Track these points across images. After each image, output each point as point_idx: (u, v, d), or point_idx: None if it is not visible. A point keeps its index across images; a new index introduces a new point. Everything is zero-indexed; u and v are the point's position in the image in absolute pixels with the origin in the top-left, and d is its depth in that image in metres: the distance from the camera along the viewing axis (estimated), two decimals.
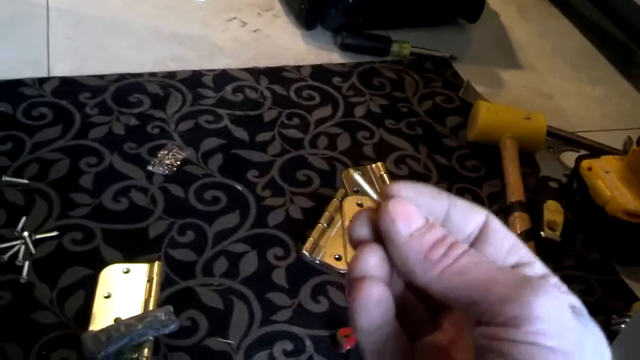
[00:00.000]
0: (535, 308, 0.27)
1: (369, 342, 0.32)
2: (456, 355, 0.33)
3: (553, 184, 1.09)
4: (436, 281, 0.29)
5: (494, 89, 1.35)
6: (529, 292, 0.27)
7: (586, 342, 0.28)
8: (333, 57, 1.37)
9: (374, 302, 0.30)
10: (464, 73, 1.37)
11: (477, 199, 1.09)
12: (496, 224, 0.32)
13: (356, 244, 0.32)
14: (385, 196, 0.31)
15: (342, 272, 0.94)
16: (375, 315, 0.31)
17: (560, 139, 1.22)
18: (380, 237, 0.31)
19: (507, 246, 0.32)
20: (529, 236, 1.00)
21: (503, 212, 1.07)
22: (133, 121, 1.13)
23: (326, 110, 1.22)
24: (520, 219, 1.02)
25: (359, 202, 1.03)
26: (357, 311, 0.31)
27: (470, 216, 0.32)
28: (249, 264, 0.94)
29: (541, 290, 0.27)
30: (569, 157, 1.18)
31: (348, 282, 0.32)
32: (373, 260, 0.31)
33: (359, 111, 1.23)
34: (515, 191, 1.07)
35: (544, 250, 0.98)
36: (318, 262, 0.95)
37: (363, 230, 0.32)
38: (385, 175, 1.08)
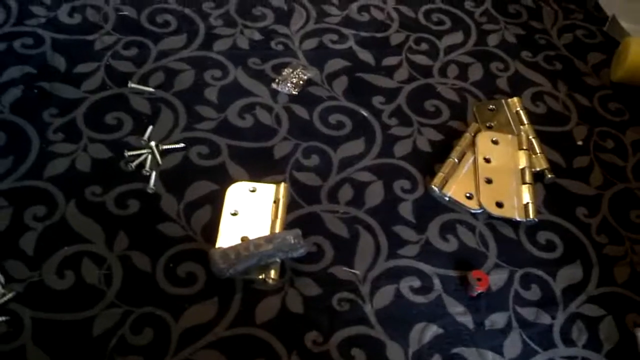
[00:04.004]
0: None
1: None
2: None
3: None
4: None
5: None
6: None
7: None
8: None
9: None
10: (607, 6, 1.24)
11: (619, 146, 1.00)
12: None
13: None
14: None
15: (473, 211, 0.89)
16: None
17: None
18: None
19: None
20: None
21: None
22: (257, 36, 1.08)
23: (457, 37, 1.14)
24: None
25: (494, 138, 0.96)
26: None
27: None
28: (375, 195, 0.90)
29: None
30: None
31: None
32: None
33: (492, 40, 1.14)
34: None
35: None
36: (447, 198, 0.90)
37: None
38: (521, 112, 1.00)
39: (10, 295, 0.74)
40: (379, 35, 1.13)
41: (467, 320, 0.79)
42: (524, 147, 0.95)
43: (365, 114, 0.99)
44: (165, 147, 0.90)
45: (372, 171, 0.93)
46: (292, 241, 0.79)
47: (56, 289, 0.76)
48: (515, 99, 1.02)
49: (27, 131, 0.90)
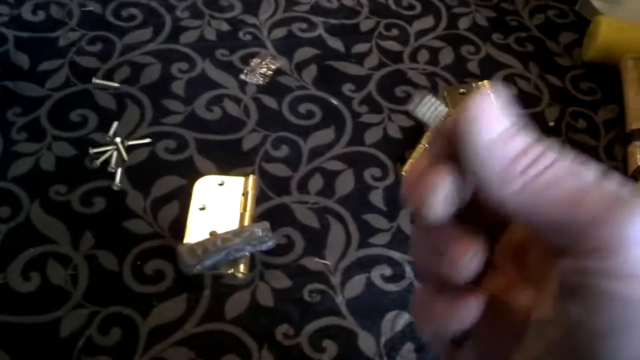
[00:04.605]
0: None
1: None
2: (519, 300, 0.29)
3: None
4: (518, 195, 0.24)
5: (613, 5, 1.21)
6: (624, 211, 0.22)
7: None
8: None
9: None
10: None
11: (592, 125, 1.00)
12: None
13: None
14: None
15: None
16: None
17: None
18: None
19: None
20: None
21: (621, 141, 0.98)
22: (225, 26, 1.07)
23: (427, 22, 1.13)
24: None
25: None
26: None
27: None
28: (345, 183, 0.89)
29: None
30: None
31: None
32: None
33: (463, 23, 1.13)
34: (636, 118, 0.97)
35: None
36: None
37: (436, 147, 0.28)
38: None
39: None
40: (348, 22, 1.11)
41: None
42: None
43: (334, 102, 0.98)
44: (131, 142, 0.89)
45: (342, 160, 0.92)
46: (260, 234, 0.78)
47: (22, 291, 0.75)
48: (485, 82, 1.02)
49: None
